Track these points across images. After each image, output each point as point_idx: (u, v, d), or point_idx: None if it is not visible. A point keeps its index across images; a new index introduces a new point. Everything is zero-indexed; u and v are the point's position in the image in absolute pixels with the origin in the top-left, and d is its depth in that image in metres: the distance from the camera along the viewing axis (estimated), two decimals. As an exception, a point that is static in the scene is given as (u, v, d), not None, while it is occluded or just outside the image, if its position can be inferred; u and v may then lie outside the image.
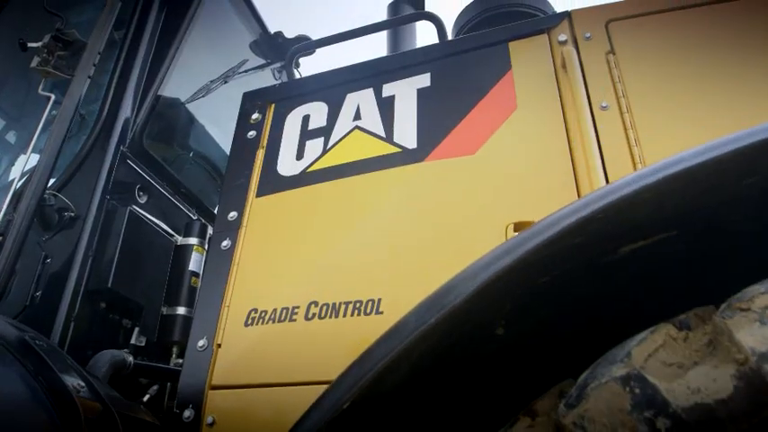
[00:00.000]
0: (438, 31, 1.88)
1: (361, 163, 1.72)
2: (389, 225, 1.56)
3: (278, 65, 2.89)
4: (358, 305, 1.43)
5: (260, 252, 1.68)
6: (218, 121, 2.78)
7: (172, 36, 2.40)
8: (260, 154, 1.90)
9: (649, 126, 1.47)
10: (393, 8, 2.74)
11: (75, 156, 1.92)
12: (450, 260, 1.41)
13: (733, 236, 0.80)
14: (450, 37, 2.29)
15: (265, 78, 2.98)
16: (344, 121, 1.83)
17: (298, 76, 2.62)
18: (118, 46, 2.25)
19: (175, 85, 2.43)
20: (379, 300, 1.42)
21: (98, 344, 1.76)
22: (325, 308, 1.45)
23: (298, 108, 1.96)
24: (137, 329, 1.87)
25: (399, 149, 1.70)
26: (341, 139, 1.82)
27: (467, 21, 2.30)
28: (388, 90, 1.85)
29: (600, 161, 1.41)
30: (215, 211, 2.14)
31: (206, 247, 2.19)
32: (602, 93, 1.55)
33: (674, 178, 0.72)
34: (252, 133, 1.98)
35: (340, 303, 1.44)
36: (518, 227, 1.44)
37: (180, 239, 2.15)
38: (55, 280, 1.71)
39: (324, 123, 1.88)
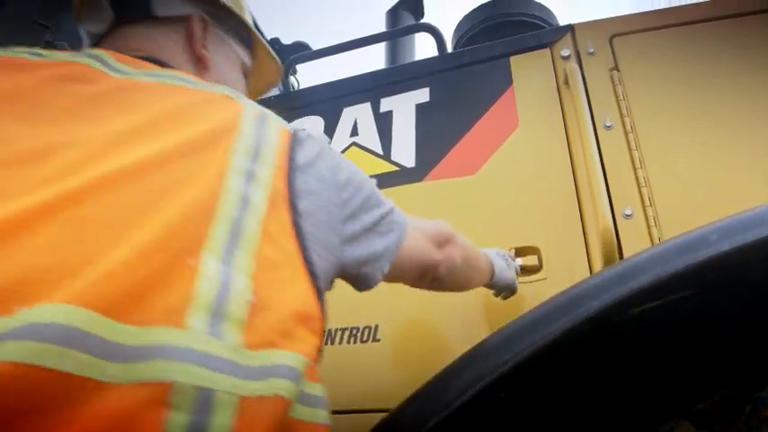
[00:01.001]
0: (437, 43, 1.84)
1: None
2: None
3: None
4: (354, 332, 1.39)
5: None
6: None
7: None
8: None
9: (654, 147, 1.42)
10: (392, 15, 2.69)
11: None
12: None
13: None
14: (449, 46, 2.24)
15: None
16: (341, 137, 1.79)
17: (296, 84, 2.58)
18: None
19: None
20: (377, 326, 1.39)
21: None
22: (320, 334, 1.42)
23: (293, 122, 1.91)
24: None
25: (398, 168, 1.66)
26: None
27: (467, 29, 2.25)
28: (385, 105, 1.81)
29: (604, 184, 1.36)
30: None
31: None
32: (606, 111, 1.50)
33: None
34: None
35: (335, 330, 1.40)
36: (520, 252, 1.40)
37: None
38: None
39: None
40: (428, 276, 0.95)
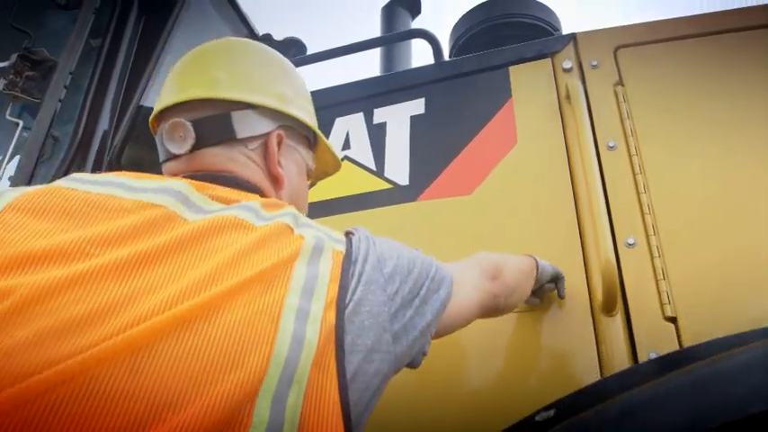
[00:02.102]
0: (433, 50, 1.76)
1: (350, 199, 1.61)
2: None
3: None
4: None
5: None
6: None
7: (152, 45, 2.26)
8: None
9: (659, 170, 1.36)
10: (387, 11, 2.60)
11: (48, 182, 1.80)
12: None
13: None
14: (446, 46, 2.16)
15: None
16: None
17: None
18: (93, 56, 2.12)
19: (157, 95, 2.30)
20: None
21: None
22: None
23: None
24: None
25: (391, 185, 1.59)
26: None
27: (465, 31, 2.16)
28: (379, 116, 1.73)
29: (606, 210, 1.30)
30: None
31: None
32: (610, 131, 1.43)
33: None
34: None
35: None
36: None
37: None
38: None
39: None
40: (489, 312, 1.00)
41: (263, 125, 0.89)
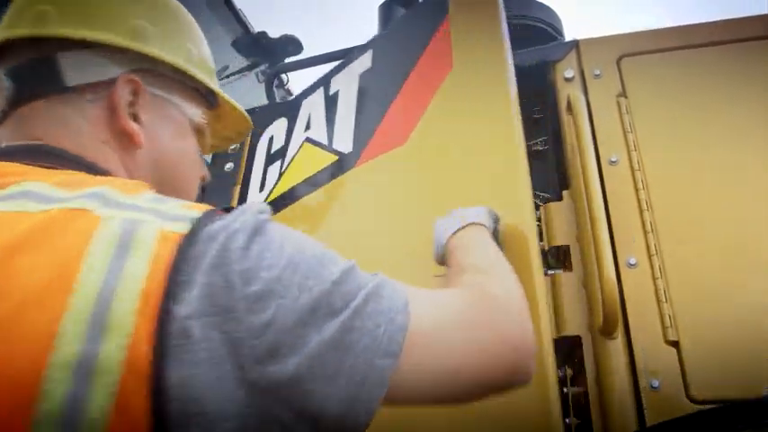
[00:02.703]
0: (432, 55, 1.70)
1: (306, 183, 1.54)
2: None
3: (262, 67, 2.69)
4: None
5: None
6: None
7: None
8: (236, 192, 1.75)
9: (663, 186, 1.32)
10: (385, 9, 2.53)
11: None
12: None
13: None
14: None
15: (251, 78, 2.79)
16: (297, 135, 1.65)
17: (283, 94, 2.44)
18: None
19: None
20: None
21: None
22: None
23: (267, 130, 1.79)
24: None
25: (337, 157, 1.51)
26: (293, 158, 1.64)
27: (464, 32, 2.10)
28: (334, 85, 1.64)
29: (607, 227, 1.26)
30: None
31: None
32: (611, 144, 1.39)
33: None
34: (229, 166, 1.83)
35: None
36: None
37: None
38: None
39: (282, 142, 1.72)
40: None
41: (106, 69, 0.70)
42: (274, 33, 2.61)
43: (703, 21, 1.47)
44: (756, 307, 1.14)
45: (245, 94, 2.58)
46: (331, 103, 1.63)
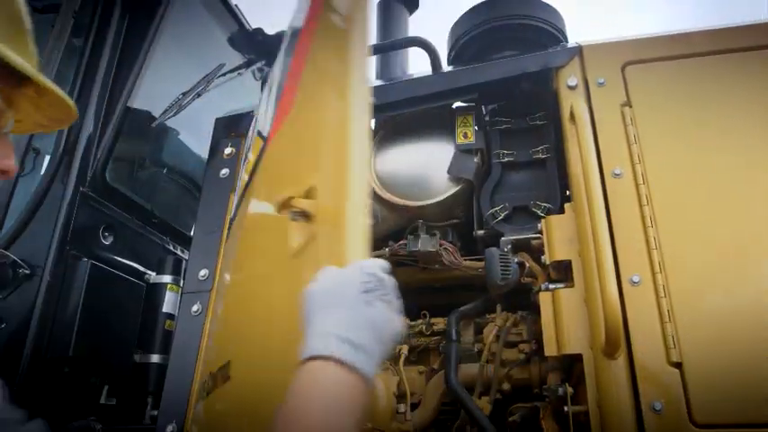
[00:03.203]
0: (431, 60, 1.67)
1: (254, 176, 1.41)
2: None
3: (258, 64, 2.63)
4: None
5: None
6: (194, 127, 2.56)
7: (137, 43, 2.16)
8: (233, 198, 1.72)
9: (668, 201, 1.29)
10: (383, 6, 2.48)
11: (28, 201, 1.73)
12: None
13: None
14: (444, 51, 2.05)
15: (247, 77, 2.74)
16: (257, 132, 1.54)
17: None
18: (75, 59, 2.02)
19: (144, 98, 2.21)
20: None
21: (64, 411, 1.64)
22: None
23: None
24: (106, 388, 1.75)
25: (263, 142, 1.38)
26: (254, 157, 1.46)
27: (464, 32, 2.05)
28: (270, 75, 1.56)
29: (610, 243, 1.23)
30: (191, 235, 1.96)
31: (182, 284, 2.04)
32: (616, 156, 1.36)
33: None
34: (225, 171, 1.79)
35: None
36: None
37: (153, 277, 1.99)
38: (10, 347, 1.57)
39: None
40: None
41: None
42: (271, 30, 2.56)
43: (703, 21, 1.43)
44: (763, 330, 1.12)
45: (246, 84, 2.54)
46: (268, 91, 1.55)
